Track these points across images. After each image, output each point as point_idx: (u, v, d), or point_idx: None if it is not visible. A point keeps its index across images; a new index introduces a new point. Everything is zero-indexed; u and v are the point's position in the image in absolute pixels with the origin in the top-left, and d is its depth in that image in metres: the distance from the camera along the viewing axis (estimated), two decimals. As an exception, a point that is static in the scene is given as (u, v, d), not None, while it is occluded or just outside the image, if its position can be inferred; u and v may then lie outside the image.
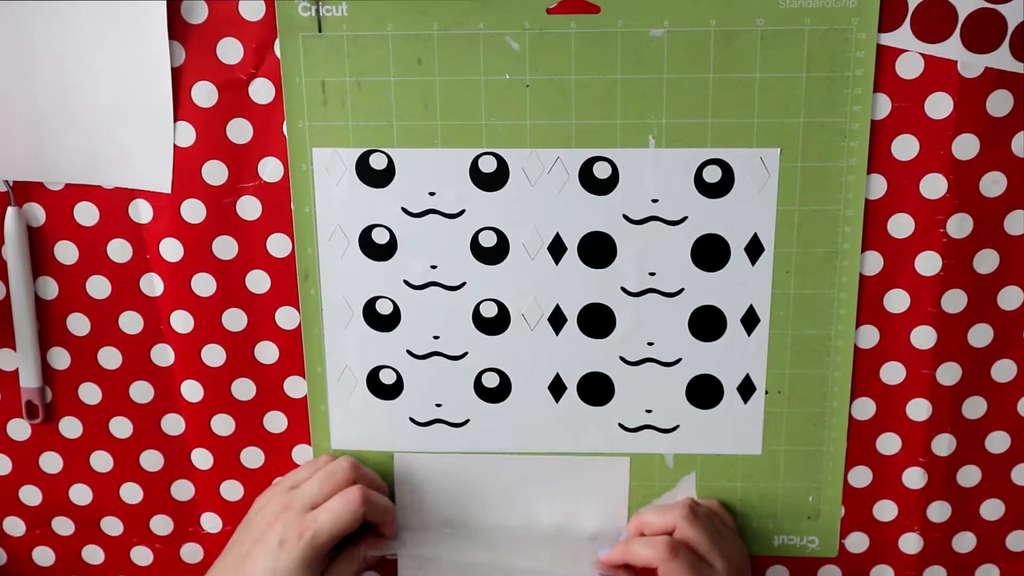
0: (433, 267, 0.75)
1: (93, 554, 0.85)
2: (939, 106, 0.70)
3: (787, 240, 0.73)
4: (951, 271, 0.74)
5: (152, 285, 0.77)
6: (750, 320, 0.75)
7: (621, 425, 0.78)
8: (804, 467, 0.78)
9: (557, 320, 0.76)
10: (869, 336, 0.76)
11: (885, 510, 0.80)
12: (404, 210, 0.74)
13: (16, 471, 0.82)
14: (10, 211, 0.75)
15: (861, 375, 0.76)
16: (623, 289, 0.75)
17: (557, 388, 0.77)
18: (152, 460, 0.82)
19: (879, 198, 0.72)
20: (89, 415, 0.81)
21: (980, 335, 0.76)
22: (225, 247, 0.76)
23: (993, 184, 0.72)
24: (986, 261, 0.74)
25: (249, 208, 0.75)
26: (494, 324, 0.76)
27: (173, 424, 0.81)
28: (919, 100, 0.70)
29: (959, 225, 0.73)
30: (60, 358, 0.79)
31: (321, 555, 0.71)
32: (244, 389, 0.79)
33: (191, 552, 0.84)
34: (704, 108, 0.70)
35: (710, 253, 0.74)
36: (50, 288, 0.77)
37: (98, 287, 0.77)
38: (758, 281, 0.74)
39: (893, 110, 0.70)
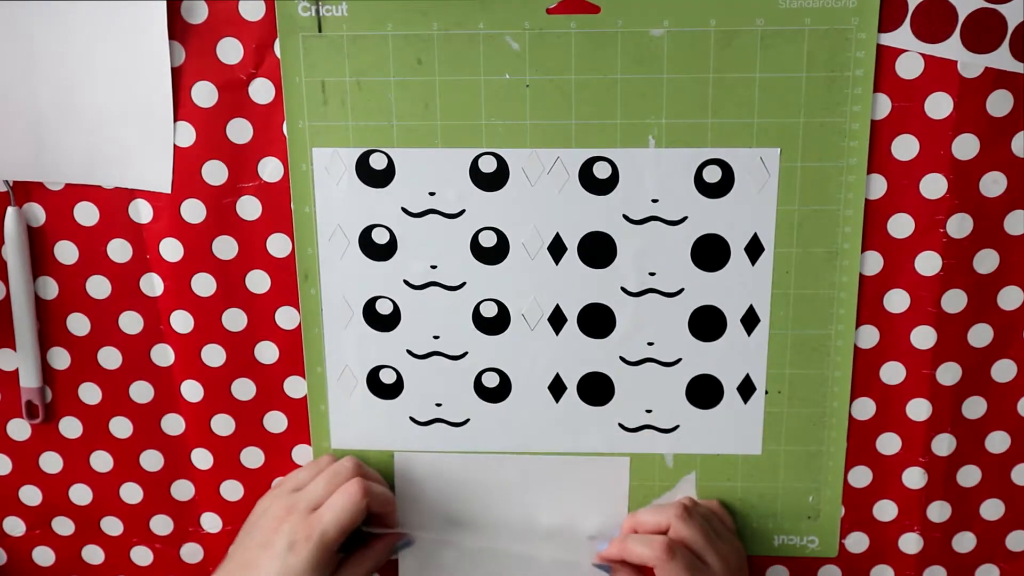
0: (433, 267, 0.75)
1: (93, 554, 0.85)
2: (939, 106, 0.70)
3: (787, 240, 0.73)
4: (951, 271, 0.74)
5: (152, 285, 0.77)
6: (750, 320, 0.75)
7: (621, 425, 0.78)
8: (804, 467, 0.78)
9: (557, 320, 0.76)
10: (869, 336, 0.76)
11: (885, 510, 0.80)
12: (404, 210, 0.74)
13: (16, 471, 0.82)
14: (10, 211, 0.75)
15: (861, 375, 0.76)
16: (623, 289, 0.75)
17: (557, 388, 0.77)
18: (152, 460, 0.82)
19: (879, 198, 0.72)
20: (89, 415, 0.81)
21: (980, 335, 0.76)
22: (225, 247, 0.76)
23: (993, 184, 0.72)
24: (986, 261, 0.74)
25: (249, 208, 0.75)
26: (494, 324, 0.76)
27: (173, 424, 0.81)
28: (919, 100, 0.70)
29: (959, 225, 0.73)
30: (60, 358, 0.79)
31: (331, 554, 0.71)
32: (244, 389, 0.79)
33: (191, 552, 0.84)
34: (704, 108, 0.70)
35: (710, 253, 0.74)
36: (50, 288, 0.77)
37: (98, 287, 0.77)
38: (758, 281, 0.74)
39: (893, 110, 0.70)
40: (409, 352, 0.77)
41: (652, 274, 0.74)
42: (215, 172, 0.74)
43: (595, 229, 0.74)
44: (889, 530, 0.80)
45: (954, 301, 0.74)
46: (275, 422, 0.80)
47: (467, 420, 0.78)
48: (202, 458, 0.81)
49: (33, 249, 0.76)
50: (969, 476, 0.79)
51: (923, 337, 0.75)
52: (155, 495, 0.82)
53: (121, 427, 0.81)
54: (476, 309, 0.76)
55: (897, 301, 0.75)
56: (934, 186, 0.72)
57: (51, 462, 0.82)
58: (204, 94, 0.72)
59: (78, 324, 0.78)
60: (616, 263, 0.74)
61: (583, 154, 0.72)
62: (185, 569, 0.85)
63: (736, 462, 0.78)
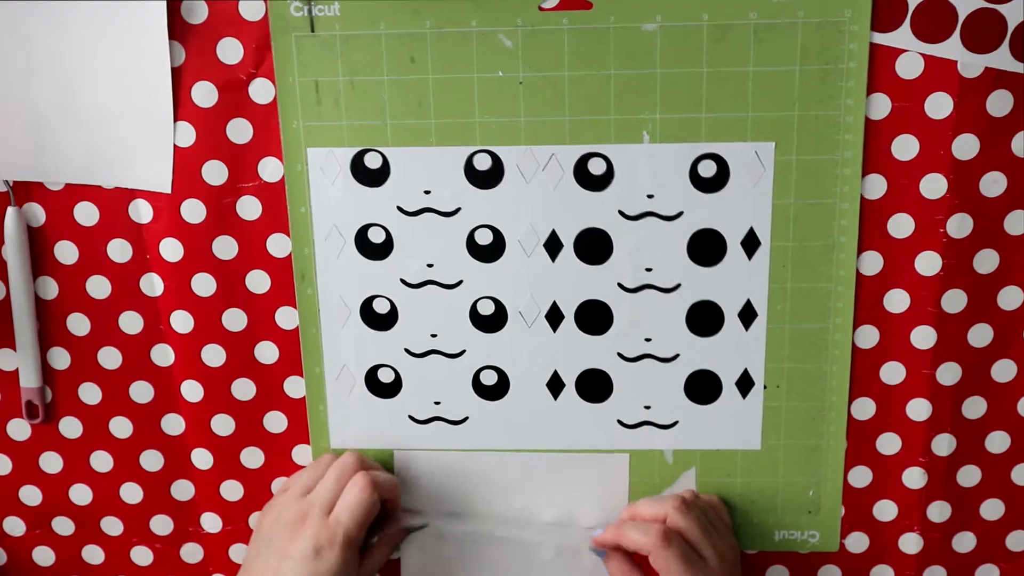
0: (429, 265, 0.75)
1: (93, 554, 0.85)
2: (939, 106, 0.70)
3: (783, 234, 0.73)
4: (951, 271, 0.74)
5: (152, 285, 0.77)
6: (747, 315, 0.75)
7: (620, 421, 0.78)
8: (804, 462, 0.78)
9: (554, 317, 0.76)
10: (869, 336, 0.76)
11: (885, 510, 0.79)
12: (400, 209, 0.74)
13: (16, 471, 0.83)
14: (10, 211, 0.75)
15: (861, 375, 0.76)
16: (620, 285, 0.75)
17: (555, 385, 0.77)
18: (152, 460, 0.82)
19: (879, 198, 0.72)
20: (89, 415, 0.81)
21: (980, 335, 0.75)
22: (225, 247, 0.76)
23: (993, 184, 0.72)
24: (986, 261, 0.74)
25: (249, 208, 0.75)
26: (491, 322, 0.76)
27: (173, 424, 0.81)
28: (919, 100, 0.70)
29: (959, 225, 0.73)
30: (60, 358, 0.79)
31: (356, 552, 0.72)
32: (244, 389, 0.79)
33: (191, 552, 0.84)
34: (698, 102, 0.71)
35: (706, 248, 0.74)
36: (50, 288, 0.78)
37: (98, 287, 0.78)
38: (755, 275, 0.74)
39: (893, 110, 0.71)
40: (407, 351, 0.77)
41: (649, 270, 0.74)
42: (215, 172, 0.74)
43: (591, 225, 0.74)
44: (889, 530, 0.80)
45: (954, 301, 0.74)
46: (275, 422, 0.80)
47: (466, 418, 0.78)
48: (202, 458, 0.81)
49: (33, 249, 0.77)
50: (969, 476, 0.78)
51: (923, 337, 0.75)
52: (155, 495, 0.83)
53: (121, 427, 0.81)
54: (473, 307, 0.76)
55: (897, 301, 0.75)
56: (934, 186, 0.72)
57: (51, 462, 0.82)
58: (204, 94, 0.72)
59: (78, 324, 0.78)
60: (612, 259, 0.74)
61: (577, 150, 0.72)
62: (185, 569, 0.85)
63: (736, 457, 0.78)
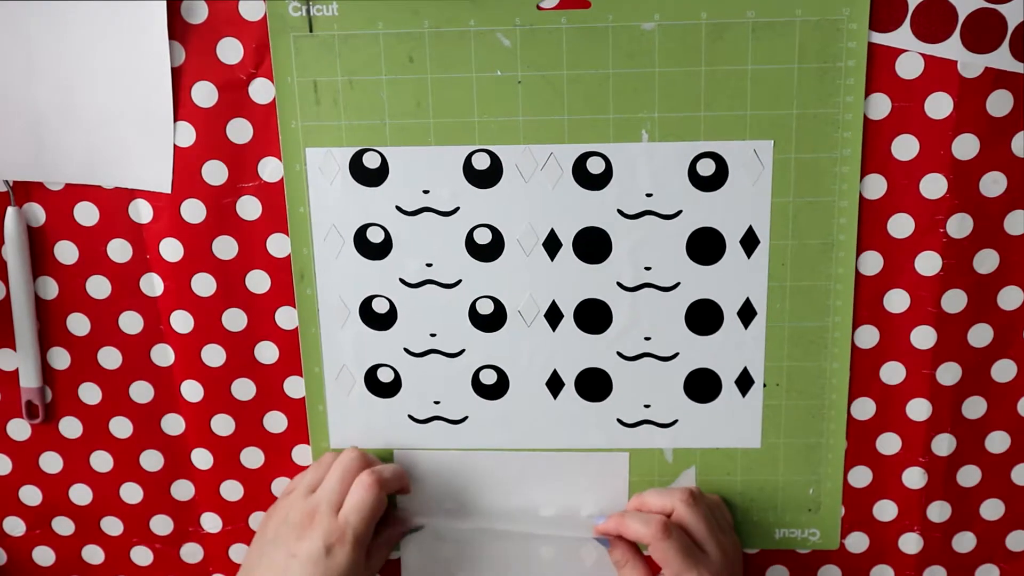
0: (428, 265, 0.75)
1: (93, 554, 0.85)
2: (939, 106, 0.70)
3: (782, 232, 0.73)
4: (951, 271, 0.74)
5: (152, 285, 0.77)
6: (747, 313, 0.75)
7: (620, 420, 0.78)
8: (804, 460, 0.78)
9: (554, 316, 0.76)
10: (869, 336, 0.75)
11: (885, 510, 0.79)
12: (398, 208, 0.74)
13: (16, 471, 0.83)
14: (10, 211, 0.75)
15: (861, 375, 0.76)
16: (619, 284, 0.75)
17: (555, 384, 0.77)
18: (152, 460, 0.82)
19: (879, 198, 0.72)
20: (89, 415, 0.81)
21: (980, 335, 0.75)
22: (225, 247, 0.76)
23: (993, 184, 0.72)
24: (986, 261, 0.74)
25: (249, 208, 0.75)
26: (490, 321, 0.76)
27: (173, 424, 0.81)
28: (919, 100, 0.70)
29: (959, 225, 0.72)
30: (60, 358, 0.80)
31: (365, 551, 0.72)
32: (244, 389, 0.79)
33: (191, 552, 0.84)
34: (696, 101, 0.71)
35: (705, 246, 0.74)
36: (50, 288, 0.78)
37: (98, 287, 0.78)
38: (754, 274, 0.74)
39: (893, 110, 0.71)
40: (406, 350, 0.77)
41: (648, 268, 0.74)
42: (215, 172, 0.74)
43: (590, 224, 0.74)
44: (889, 530, 0.80)
45: (954, 301, 0.74)
46: (275, 422, 0.80)
47: (465, 417, 0.78)
48: (202, 458, 0.81)
49: (33, 249, 0.77)
50: (969, 476, 0.78)
51: (923, 337, 0.75)
52: (155, 495, 0.83)
53: (121, 427, 0.81)
54: (472, 306, 0.76)
55: (897, 301, 0.75)
56: (934, 186, 0.72)
57: (51, 462, 0.82)
58: (204, 94, 0.73)
59: (78, 324, 0.78)
60: (611, 258, 0.74)
61: (576, 149, 0.72)
62: (185, 569, 0.85)
63: (735, 456, 0.78)
